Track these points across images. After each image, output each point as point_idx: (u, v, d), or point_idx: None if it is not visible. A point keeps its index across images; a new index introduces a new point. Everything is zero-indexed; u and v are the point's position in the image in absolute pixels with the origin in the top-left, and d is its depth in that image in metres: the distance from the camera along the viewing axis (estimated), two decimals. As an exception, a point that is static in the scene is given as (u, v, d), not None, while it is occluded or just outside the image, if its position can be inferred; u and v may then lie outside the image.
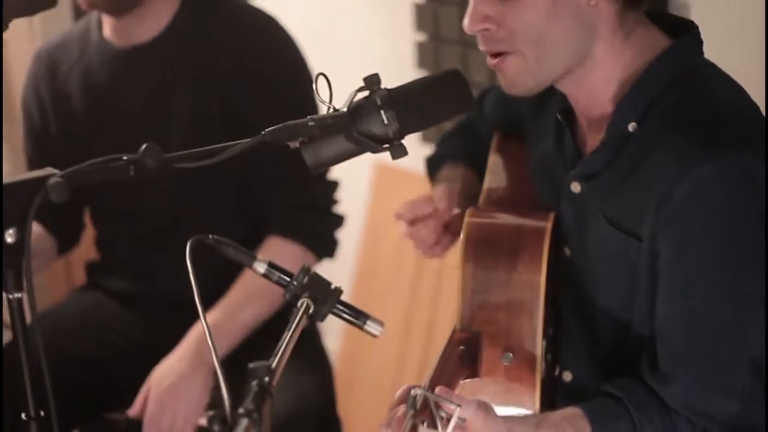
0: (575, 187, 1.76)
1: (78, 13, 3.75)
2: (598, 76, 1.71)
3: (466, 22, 1.69)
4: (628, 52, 1.70)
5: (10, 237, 1.48)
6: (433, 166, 2.12)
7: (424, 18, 3.19)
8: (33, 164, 2.68)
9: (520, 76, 1.70)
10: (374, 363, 3.40)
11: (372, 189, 3.45)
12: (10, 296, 1.50)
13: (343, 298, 1.60)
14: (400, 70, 3.25)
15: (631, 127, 1.68)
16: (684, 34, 1.73)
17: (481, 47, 1.70)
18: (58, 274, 3.61)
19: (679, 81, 1.68)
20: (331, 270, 2.57)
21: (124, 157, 1.50)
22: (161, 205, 2.52)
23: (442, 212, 1.94)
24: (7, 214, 1.48)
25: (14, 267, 1.50)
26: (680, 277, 1.64)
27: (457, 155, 2.10)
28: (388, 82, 1.61)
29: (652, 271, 1.66)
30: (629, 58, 1.70)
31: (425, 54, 3.22)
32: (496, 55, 1.69)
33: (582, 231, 1.76)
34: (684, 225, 1.61)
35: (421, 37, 3.22)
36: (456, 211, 1.91)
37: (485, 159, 2.01)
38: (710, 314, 1.64)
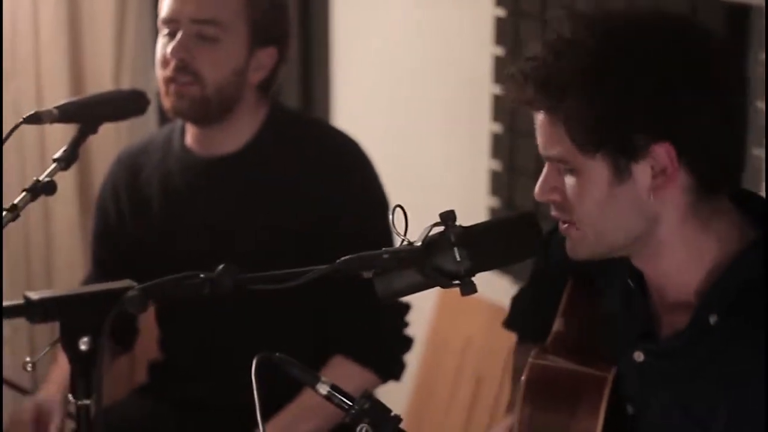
0: (638, 356, 1.75)
1: (162, 118, 3.84)
2: (671, 262, 1.68)
3: (536, 189, 1.71)
4: (706, 243, 1.67)
5: (84, 345, 1.52)
6: (511, 329, 2.13)
7: (501, 147, 3.23)
8: (99, 263, 2.71)
9: (580, 246, 1.71)
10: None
11: (436, 308, 3.46)
12: (79, 402, 1.54)
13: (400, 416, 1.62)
14: (474, 197, 3.29)
15: (713, 320, 1.65)
16: None
17: (552, 213, 1.72)
18: (121, 369, 3.65)
19: (764, 276, 1.64)
20: (388, 386, 2.60)
21: (201, 275, 1.53)
22: (230, 313, 2.54)
23: None
24: (83, 322, 1.51)
25: (85, 375, 1.53)
26: None
27: (530, 325, 2.08)
28: (461, 208, 1.63)
29: None
30: (708, 249, 1.67)
31: (499, 183, 3.25)
32: (564, 221, 1.72)
33: (645, 396, 1.75)
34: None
35: (496, 165, 3.26)
36: None
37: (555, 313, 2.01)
38: None
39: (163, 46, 2.46)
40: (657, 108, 1.60)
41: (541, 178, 1.71)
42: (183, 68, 2.43)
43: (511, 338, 2.20)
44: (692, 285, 1.68)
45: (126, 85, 3.91)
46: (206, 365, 2.63)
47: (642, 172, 1.62)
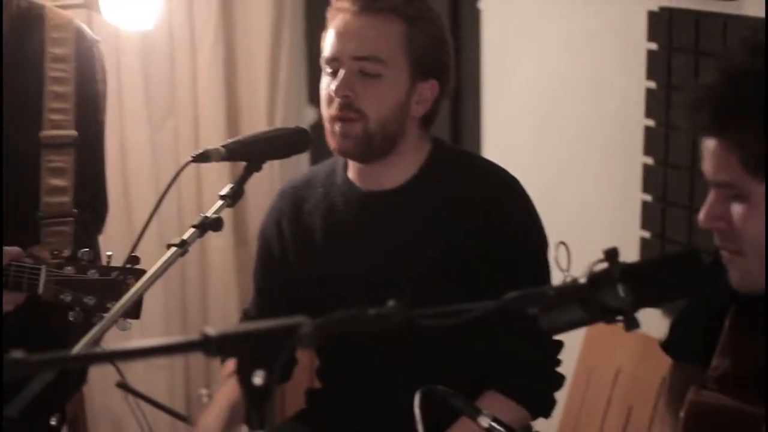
0: None
1: (315, 154, 3.91)
2: None
3: (701, 215, 1.73)
4: None
5: (258, 379, 1.56)
6: (669, 352, 2.14)
7: (652, 180, 3.22)
8: (261, 294, 2.76)
9: (744, 279, 1.73)
10: None
11: (584, 340, 3.45)
12: (253, 434, 1.59)
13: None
14: (626, 229, 3.29)
15: None
16: None
17: (716, 241, 1.74)
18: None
19: None
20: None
21: (372, 311, 1.56)
22: (387, 343, 2.52)
23: None
24: (258, 357, 1.56)
25: (258, 407, 1.58)
26: None
27: (688, 348, 2.10)
28: (613, 240, 1.66)
29: None
30: None
31: (651, 215, 3.24)
32: (728, 249, 1.72)
33: None
34: None
35: (648, 198, 3.25)
36: None
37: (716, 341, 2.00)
38: None
39: (327, 85, 2.50)
40: None
41: (706, 205, 1.72)
42: (347, 106, 2.46)
43: (661, 369, 2.20)
44: None
45: (279, 122, 4.00)
46: (364, 394, 2.65)
47: None
